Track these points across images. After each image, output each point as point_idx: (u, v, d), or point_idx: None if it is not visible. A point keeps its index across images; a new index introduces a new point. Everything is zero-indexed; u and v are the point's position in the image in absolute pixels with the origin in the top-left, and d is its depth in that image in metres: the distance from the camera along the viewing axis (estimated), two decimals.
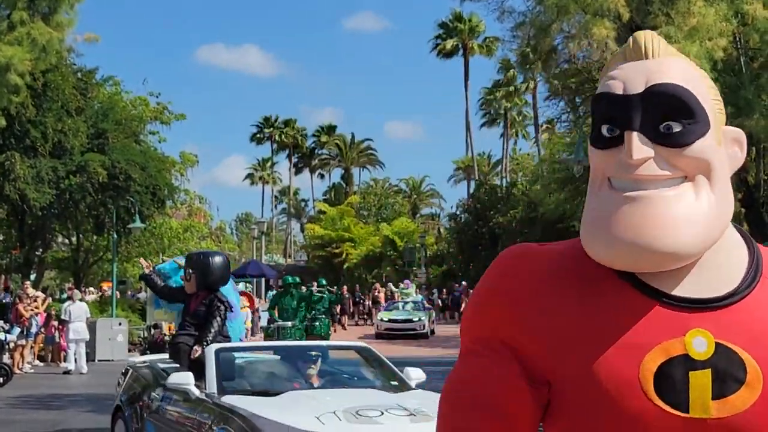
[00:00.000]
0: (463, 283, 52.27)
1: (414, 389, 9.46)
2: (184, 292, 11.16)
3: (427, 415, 7.94)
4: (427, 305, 42.64)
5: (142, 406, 10.08)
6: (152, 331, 32.98)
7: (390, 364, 10.15)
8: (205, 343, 10.29)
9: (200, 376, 9.45)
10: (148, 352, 31.45)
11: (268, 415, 7.90)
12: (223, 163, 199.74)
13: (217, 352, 9.56)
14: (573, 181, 32.67)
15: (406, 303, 41.91)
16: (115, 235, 40.79)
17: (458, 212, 67.97)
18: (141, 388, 10.34)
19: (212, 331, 10.51)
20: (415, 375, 9.71)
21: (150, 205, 41.54)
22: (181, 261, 13.58)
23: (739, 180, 24.55)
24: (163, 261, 14.31)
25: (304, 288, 24.59)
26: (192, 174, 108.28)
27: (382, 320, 40.01)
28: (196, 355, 10.24)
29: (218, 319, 10.68)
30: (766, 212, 25.15)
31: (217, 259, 11.30)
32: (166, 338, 32.35)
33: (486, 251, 59.17)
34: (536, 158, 61.31)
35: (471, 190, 74.85)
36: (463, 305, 43.54)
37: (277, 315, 21.41)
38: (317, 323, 21.99)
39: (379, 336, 37.45)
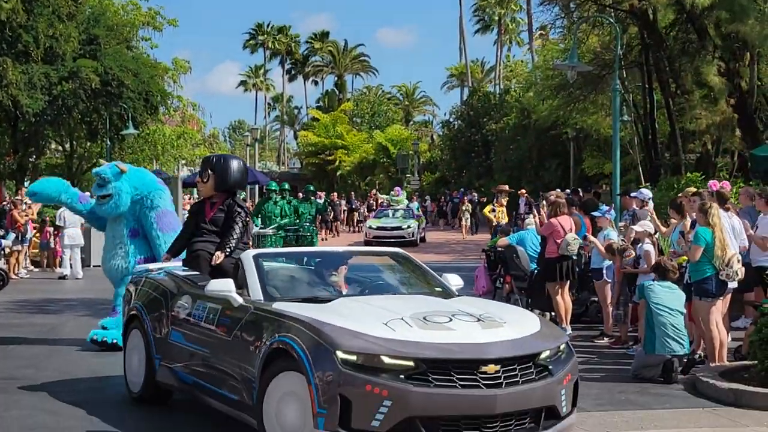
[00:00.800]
0: (462, 190, 52.38)
1: (459, 296, 8.95)
2: (192, 206, 10.81)
3: (495, 321, 7.62)
4: (417, 213, 42.45)
5: (165, 316, 9.32)
6: None
7: (429, 269, 9.59)
8: (228, 250, 10.00)
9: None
10: None
11: (334, 321, 7.33)
12: (215, 71, 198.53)
13: (256, 257, 8.87)
14: (566, 88, 32.57)
15: (396, 210, 41.71)
16: (109, 142, 40.75)
17: (451, 119, 67.77)
18: (162, 297, 9.54)
19: (234, 236, 10.17)
20: (455, 281, 9.21)
21: (143, 112, 41.41)
22: (123, 165, 13.45)
23: (732, 86, 24.55)
24: (101, 165, 13.84)
25: (295, 195, 23.94)
26: (185, 81, 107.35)
27: (370, 228, 39.73)
28: (218, 261, 9.93)
29: (240, 224, 10.32)
30: (759, 118, 25.19)
31: (237, 163, 10.91)
32: None
33: (479, 158, 59.21)
34: (530, 65, 60.96)
35: (464, 97, 74.58)
36: (462, 213, 43.70)
37: (260, 222, 20.69)
38: (303, 231, 21.81)
39: (367, 243, 36.70)
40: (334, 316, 7.47)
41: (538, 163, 52.34)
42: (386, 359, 6.96)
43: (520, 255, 16.07)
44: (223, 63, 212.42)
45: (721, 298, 11.63)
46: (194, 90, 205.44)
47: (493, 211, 27.34)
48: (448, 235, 45.81)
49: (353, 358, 6.98)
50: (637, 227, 13.78)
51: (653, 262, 12.64)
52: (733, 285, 11.66)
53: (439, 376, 6.95)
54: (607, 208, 15.87)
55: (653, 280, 11.75)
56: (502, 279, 17.09)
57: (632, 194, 16.00)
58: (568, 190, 25.11)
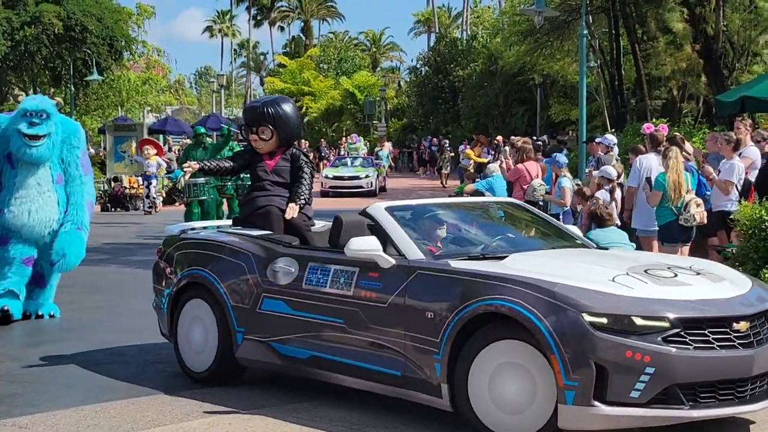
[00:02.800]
0: (428, 137, 52.26)
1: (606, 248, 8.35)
2: (241, 156, 9.50)
3: (713, 274, 6.92)
4: (378, 161, 41.83)
5: (252, 283, 7.92)
6: (112, 184, 33.04)
7: (553, 220, 8.88)
8: (303, 201, 8.92)
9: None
10: (109, 205, 31.66)
11: (560, 280, 6.33)
12: (181, 17, 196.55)
13: (390, 211, 7.67)
14: (533, 34, 32.49)
15: (355, 159, 40.88)
16: (73, 88, 40.39)
17: (418, 65, 67.55)
18: (243, 262, 8.07)
19: (306, 187, 9.05)
20: (577, 233, 8.44)
21: (107, 57, 41.04)
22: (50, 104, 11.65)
23: (698, 31, 24.60)
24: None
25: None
26: (149, 26, 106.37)
27: (327, 177, 38.31)
28: (294, 214, 8.77)
29: (310, 174, 9.19)
30: (724, 63, 25.28)
31: (291, 107, 9.36)
32: (126, 191, 32.48)
33: (446, 104, 59.15)
34: (497, 11, 60.79)
35: (431, 44, 74.31)
36: (441, 161, 43.54)
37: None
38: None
39: (324, 194, 35.69)
40: (551, 274, 6.44)
41: (505, 110, 52.36)
42: (638, 320, 6.07)
43: None
44: (189, 9, 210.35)
45: (687, 243, 11.75)
46: (160, 36, 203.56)
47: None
48: (425, 182, 45.73)
49: (603, 320, 6.05)
50: (596, 173, 13.91)
51: (618, 208, 12.84)
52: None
53: (695, 337, 6.14)
54: (558, 154, 16.02)
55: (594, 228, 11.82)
56: None
57: (597, 140, 16.11)
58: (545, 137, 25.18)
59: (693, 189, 11.99)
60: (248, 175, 9.56)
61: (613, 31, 30.53)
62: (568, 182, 14.59)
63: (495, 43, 51.07)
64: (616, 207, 13.46)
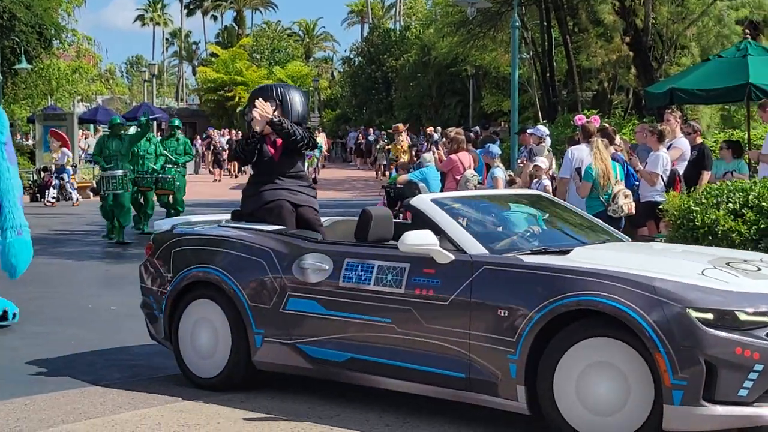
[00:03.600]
0: (362, 128, 52.26)
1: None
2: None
3: None
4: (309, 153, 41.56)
5: (275, 280, 7.41)
6: (42, 174, 32.58)
7: (581, 212, 8.63)
8: (286, 127, 8.15)
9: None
10: (38, 196, 31.23)
11: (656, 274, 6.03)
12: (112, 5, 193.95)
13: (439, 203, 7.25)
14: (466, 25, 32.66)
15: None
16: (1, 76, 39.71)
17: (352, 56, 67.59)
18: (261, 258, 7.55)
19: (293, 128, 8.26)
20: (606, 226, 8.17)
21: (36, 45, 40.41)
22: None
23: (628, 24, 24.91)
24: None
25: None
26: (79, 15, 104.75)
27: None
28: (265, 113, 8.09)
29: (303, 132, 8.37)
30: (653, 56, 25.61)
31: (299, 93, 8.79)
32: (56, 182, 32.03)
33: (379, 95, 59.19)
34: (430, 2, 60.92)
35: (365, 34, 74.30)
36: (376, 151, 43.49)
37: (104, 162, 18.78)
38: (164, 173, 19.96)
39: None
40: (642, 269, 6.16)
41: (438, 101, 52.59)
42: (742, 315, 5.82)
43: (422, 190, 16.20)
44: None
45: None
46: (90, 24, 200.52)
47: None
48: (359, 173, 45.70)
49: (708, 316, 5.78)
50: (539, 161, 14.05)
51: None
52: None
53: None
54: (491, 145, 16.16)
55: None
56: (402, 215, 17.27)
57: (529, 131, 16.22)
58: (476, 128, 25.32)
59: (622, 180, 12.15)
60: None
61: (545, 23, 30.80)
62: (500, 173, 14.69)
63: (428, 34, 51.24)
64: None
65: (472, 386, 6.45)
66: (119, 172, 18.64)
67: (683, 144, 13.46)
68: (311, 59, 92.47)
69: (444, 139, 15.80)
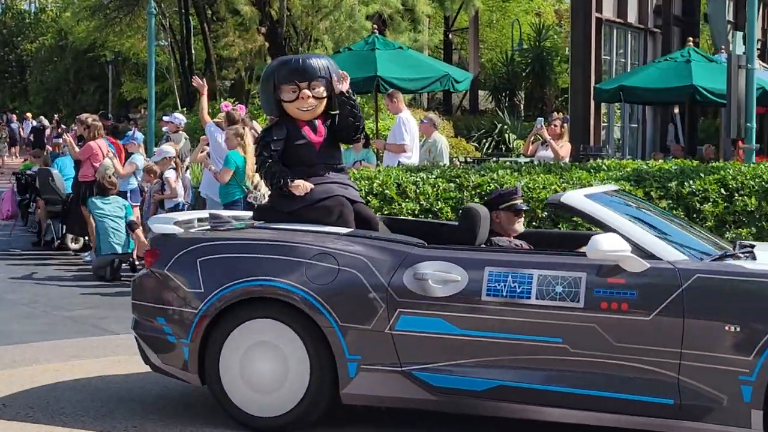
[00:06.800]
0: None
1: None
2: (280, 130, 6.91)
3: None
4: None
5: (378, 296, 6.09)
6: None
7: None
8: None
9: None
10: None
11: None
12: None
13: (599, 200, 6.34)
14: (102, 9, 32.16)
15: None
16: None
17: None
18: (355, 269, 6.18)
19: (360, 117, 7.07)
20: None
21: None
22: None
23: (264, 15, 25.51)
24: None
25: None
26: None
27: None
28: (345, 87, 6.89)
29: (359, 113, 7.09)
30: (289, 48, 26.31)
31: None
32: None
33: (13, 79, 56.97)
34: None
35: None
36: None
37: None
38: None
39: None
40: None
41: (76, 86, 51.29)
42: None
43: (56, 178, 15.99)
44: None
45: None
46: None
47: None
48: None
49: None
50: (165, 150, 14.28)
51: (173, 186, 13.44)
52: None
53: None
54: (133, 131, 16.30)
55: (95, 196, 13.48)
56: (33, 203, 17.01)
57: (166, 118, 16.41)
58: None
59: None
60: None
61: (184, 11, 30.88)
62: (140, 159, 14.81)
63: (65, 17, 49.79)
64: (184, 183, 13.92)
65: (683, 413, 5.62)
66: None
67: None
68: None
69: (80, 126, 15.62)
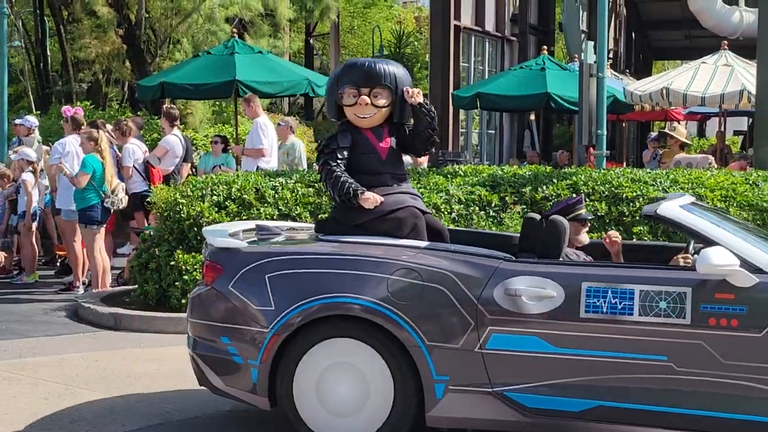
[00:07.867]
0: None
1: None
2: (345, 137, 6.58)
3: None
4: None
5: (467, 314, 5.81)
6: None
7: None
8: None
9: None
10: None
11: None
12: None
13: (698, 210, 6.14)
14: None
15: None
16: None
17: None
18: (441, 285, 5.88)
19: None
20: None
21: None
22: None
23: (122, 17, 25.07)
24: None
25: None
26: None
27: None
28: (419, 99, 6.55)
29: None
30: (148, 51, 25.96)
31: (405, 71, 6.85)
32: None
33: None
34: None
35: None
36: None
37: None
38: None
39: None
40: None
41: None
42: None
43: None
44: None
45: (104, 225, 12.22)
46: None
47: None
48: None
49: None
50: (13, 156, 14.02)
51: (30, 190, 13.20)
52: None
53: None
54: None
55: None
56: None
57: (18, 122, 16.01)
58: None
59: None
60: None
61: (38, 11, 30.17)
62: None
63: None
64: (38, 188, 13.69)
65: None
66: None
67: (169, 141, 13.99)
68: None
69: None
